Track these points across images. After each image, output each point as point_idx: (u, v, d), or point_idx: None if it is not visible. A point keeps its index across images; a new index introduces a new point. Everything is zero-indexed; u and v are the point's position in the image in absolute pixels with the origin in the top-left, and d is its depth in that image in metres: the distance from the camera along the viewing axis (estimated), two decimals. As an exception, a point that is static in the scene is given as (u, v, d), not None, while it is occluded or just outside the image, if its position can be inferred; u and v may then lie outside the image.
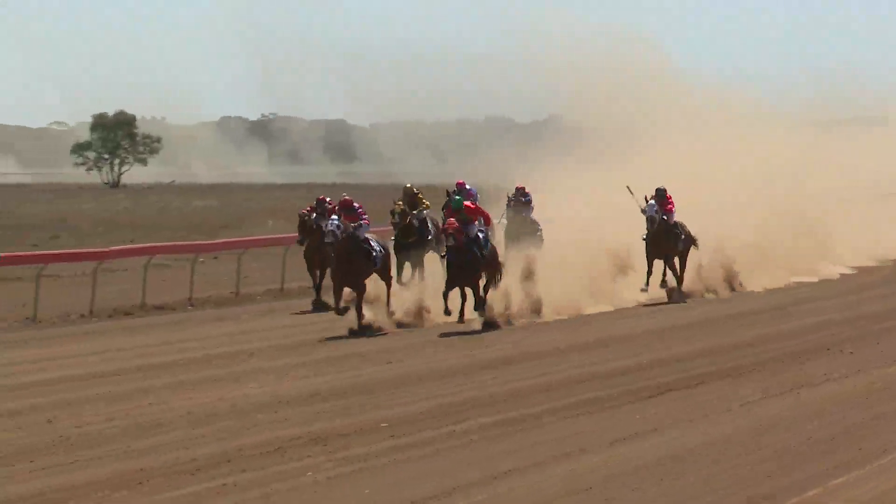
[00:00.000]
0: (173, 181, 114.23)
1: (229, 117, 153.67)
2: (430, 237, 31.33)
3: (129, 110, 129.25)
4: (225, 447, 16.95)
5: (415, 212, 31.48)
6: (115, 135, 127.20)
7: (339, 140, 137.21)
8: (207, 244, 38.73)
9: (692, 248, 32.43)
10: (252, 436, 17.67)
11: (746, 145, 41.45)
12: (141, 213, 73.24)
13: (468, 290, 27.31)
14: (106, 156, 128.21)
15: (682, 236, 31.05)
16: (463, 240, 26.05)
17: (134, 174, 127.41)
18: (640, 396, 21.58)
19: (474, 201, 31.60)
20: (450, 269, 26.33)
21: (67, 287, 31.74)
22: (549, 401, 20.76)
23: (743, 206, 38.28)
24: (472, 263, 26.01)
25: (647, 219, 30.39)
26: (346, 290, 27.26)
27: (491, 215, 31.64)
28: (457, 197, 27.06)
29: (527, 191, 35.21)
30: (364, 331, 26.41)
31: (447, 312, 26.39)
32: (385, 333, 27.34)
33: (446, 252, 26.48)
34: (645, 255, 30.51)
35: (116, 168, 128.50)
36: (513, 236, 34.40)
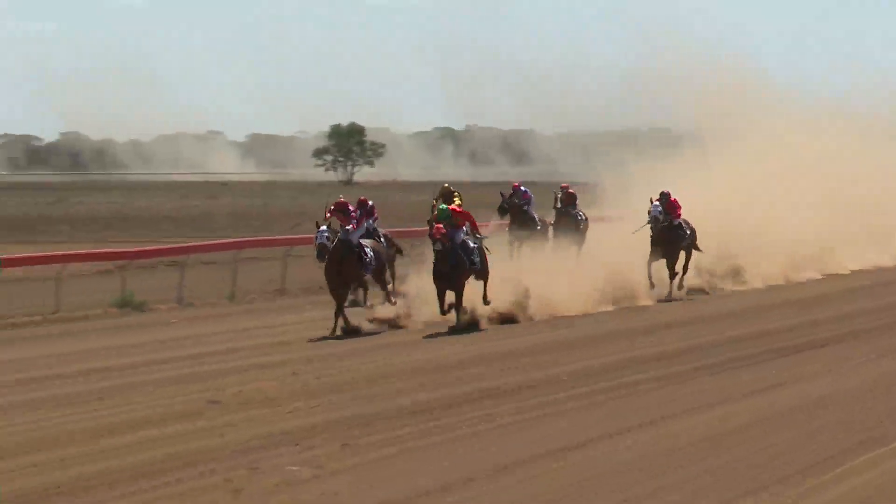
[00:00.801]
0: (395, 179, 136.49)
1: (427, 130, 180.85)
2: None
3: (356, 122, 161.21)
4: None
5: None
6: (348, 141, 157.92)
7: (515, 146, 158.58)
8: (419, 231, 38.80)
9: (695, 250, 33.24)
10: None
11: (828, 153, 46.37)
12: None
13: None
14: (341, 158, 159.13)
15: (687, 233, 32.37)
16: (448, 245, 25.80)
17: (363, 173, 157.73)
18: (770, 356, 25.73)
19: (527, 203, 37.20)
20: (435, 272, 26.16)
21: (308, 265, 33.91)
22: (694, 360, 24.78)
23: (815, 205, 43.05)
24: (456, 268, 26.04)
25: (651, 218, 31.60)
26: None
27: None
28: (442, 206, 26.84)
29: (570, 191, 37.92)
30: (351, 333, 26.78)
31: (443, 312, 26.77)
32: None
33: (434, 256, 26.31)
34: (650, 252, 31.89)
35: (349, 168, 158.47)
36: (560, 232, 37.14)
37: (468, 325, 27.15)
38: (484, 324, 27.31)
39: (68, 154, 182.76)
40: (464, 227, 26.54)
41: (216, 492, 13.54)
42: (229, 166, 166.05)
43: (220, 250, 39.65)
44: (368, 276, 27.26)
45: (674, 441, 16.87)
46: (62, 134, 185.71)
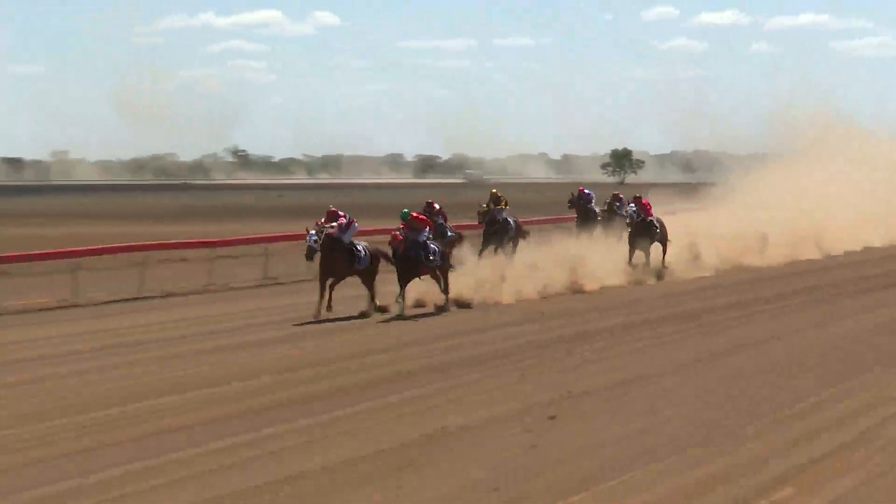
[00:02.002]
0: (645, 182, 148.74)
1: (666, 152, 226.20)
2: (510, 227, 38.71)
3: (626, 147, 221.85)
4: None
5: (498, 207, 38.98)
6: (622, 159, 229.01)
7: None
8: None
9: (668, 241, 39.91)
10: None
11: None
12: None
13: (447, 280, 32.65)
14: (617, 169, 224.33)
15: (658, 230, 38.54)
16: (405, 245, 29.64)
17: (630, 178, 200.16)
18: (844, 294, 35.86)
19: (589, 201, 45.70)
20: (398, 268, 29.57)
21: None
22: (777, 300, 34.97)
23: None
24: (414, 263, 29.67)
25: (628, 217, 38.45)
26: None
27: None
28: (404, 210, 30.58)
29: (621, 196, 45.49)
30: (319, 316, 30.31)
31: (399, 299, 30.67)
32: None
33: (394, 255, 29.58)
34: (628, 242, 39.06)
35: (622, 175, 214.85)
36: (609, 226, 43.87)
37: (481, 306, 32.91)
38: (446, 307, 32.03)
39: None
40: (426, 230, 30.20)
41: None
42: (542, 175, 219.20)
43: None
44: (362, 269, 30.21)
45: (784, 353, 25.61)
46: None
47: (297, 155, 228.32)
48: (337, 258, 28.72)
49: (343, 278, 28.85)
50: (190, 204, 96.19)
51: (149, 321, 29.49)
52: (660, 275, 38.85)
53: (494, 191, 39.92)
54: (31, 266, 37.90)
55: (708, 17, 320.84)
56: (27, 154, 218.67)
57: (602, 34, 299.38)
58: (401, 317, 29.71)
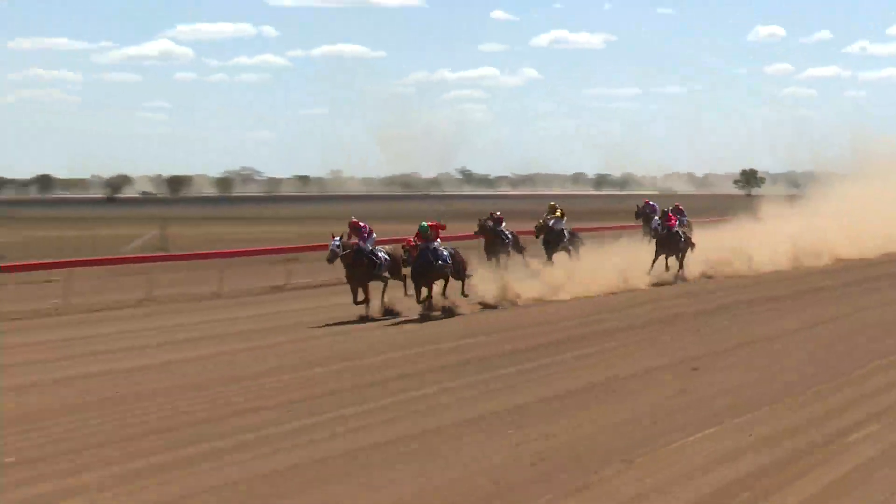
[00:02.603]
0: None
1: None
2: (565, 235, 37.15)
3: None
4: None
5: (555, 216, 37.33)
6: (751, 177, 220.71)
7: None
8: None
9: (690, 249, 38.67)
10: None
11: None
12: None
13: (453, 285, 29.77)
14: (745, 184, 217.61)
15: (682, 240, 37.27)
16: (416, 253, 27.71)
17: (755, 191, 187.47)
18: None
19: (654, 212, 42.74)
20: (412, 272, 27.99)
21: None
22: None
23: None
24: (426, 268, 27.88)
25: (652, 229, 37.58)
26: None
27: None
28: (423, 224, 29.04)
29: (680, 207, 43.76)
30: (387, 314, 28.61)
31: (420, 301, 28.53)
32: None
33: (410, 261, 28.04)
34: (655, 251, 36.91)
35: (750, 189, 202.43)
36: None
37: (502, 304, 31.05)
38: (464, 309, 29.47)
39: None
40: (438, 238, 28.63)
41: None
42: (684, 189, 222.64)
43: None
44: (386, 274, 28.82)
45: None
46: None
47: (507, 173, 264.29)
48: (361, 265, 27.81)
49: (368, 282, 28.08)
50: (426, 209, 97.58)
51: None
52: (679, 277, 38.13)
53: (552, 203, 38.51)
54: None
55: (815, 71, 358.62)
56: (312, 172, 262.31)
57: (735, 83, 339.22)
58: (519, 306, 30.46)
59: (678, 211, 42.30)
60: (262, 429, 14.97)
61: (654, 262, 36.12)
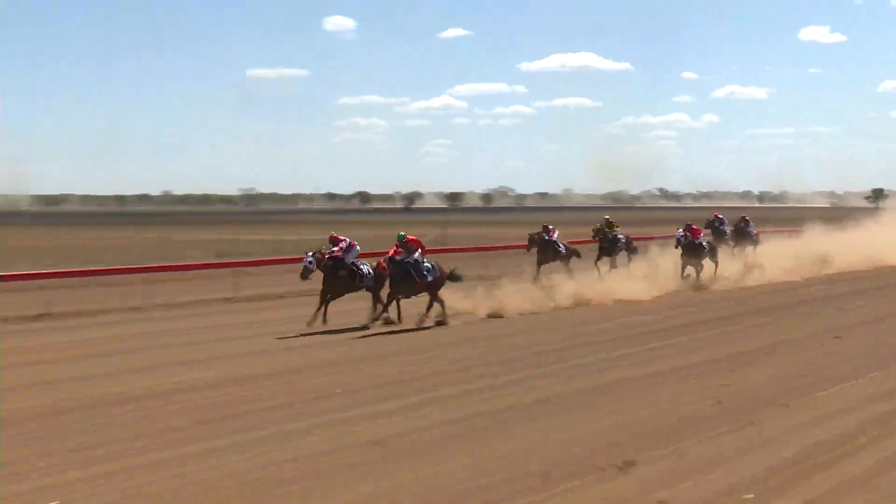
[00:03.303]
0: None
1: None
2: (621, 245, 35.60)
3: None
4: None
5: (608, 229, 35.34)
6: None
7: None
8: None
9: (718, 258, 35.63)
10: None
11: None
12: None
13: (435, 298, 24.47)
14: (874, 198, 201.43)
15: (707, 250, 34.60)
16: (391, 267, 23.50)
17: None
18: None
19: (722, 223, 39.92)
20: (392, 284, 23.68)
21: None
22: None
23: None
24: (405, 281, 23.55)
25: (676, 240, 34.09)
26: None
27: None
28: (401, 233, 24.39)
29: (746, 218, 42.58)
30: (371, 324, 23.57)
31: (379, 313, 23.69)
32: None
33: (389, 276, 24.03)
34: (681, 260, 33.98)
35: (878, 202, 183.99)
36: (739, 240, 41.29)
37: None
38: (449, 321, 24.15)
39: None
40: (418, 250, 24.14)
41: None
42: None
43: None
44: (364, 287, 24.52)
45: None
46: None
47: (692, 190, 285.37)
48: (337, 275, 24.08)
49: (343, 294, 24.38)
50: (633, 217, 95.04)
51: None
52: (699, 284, 33.80)
53: (607, 217, 37.07)
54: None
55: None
56: (550, 190, 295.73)
57: (868, 123, 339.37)
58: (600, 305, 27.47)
59: (744, 221, 42.63)
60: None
61: (683, 269, 33.51)
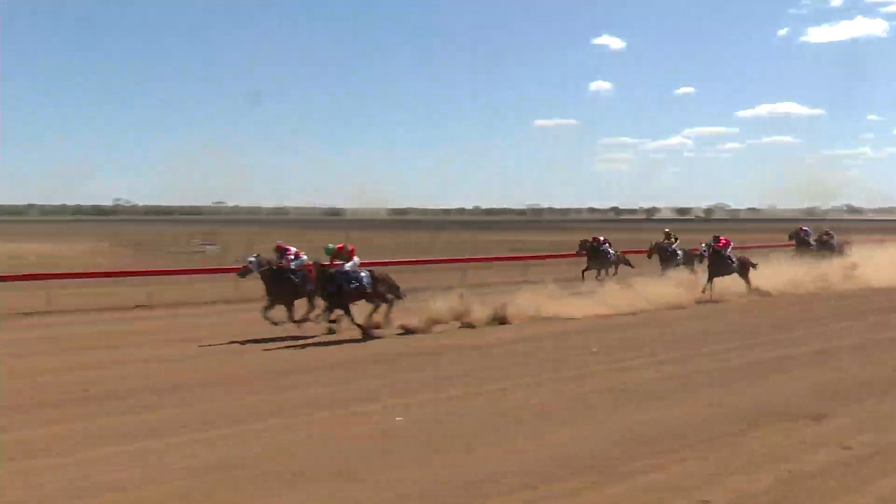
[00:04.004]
0: None
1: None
2: (679, 256, 31.81)
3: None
4: None
5: (667, 242, 31.85)
6: None
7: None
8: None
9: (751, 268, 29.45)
10: None
11: None
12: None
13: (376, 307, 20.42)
14: None
15: (734, 262, 28.80)
16: (321, 276, 19.54)
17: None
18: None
19: (807, 234, 37.12)
20: (323, 295, 19.52)
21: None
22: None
23: None
24: (338, 291, 19.41)
25: (700, 252, 29.51)
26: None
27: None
28: (328, 245, 19.97)
29: (830, 232, 40.05)
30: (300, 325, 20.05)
31: (328, 322, 19.59)
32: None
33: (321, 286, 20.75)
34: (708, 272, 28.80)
35: None
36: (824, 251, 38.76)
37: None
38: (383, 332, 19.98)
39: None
40: (353, 260, 19.90)
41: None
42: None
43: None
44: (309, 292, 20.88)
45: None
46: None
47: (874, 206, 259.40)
48: (279, 283, 20.27)
49: (291, 300, 20.32)
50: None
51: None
52: (751, 291, 29.02)
53: (667, 230, 33.44)
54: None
55: None
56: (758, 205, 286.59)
57: None
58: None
59: (827, 234, 40.22)
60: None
61: (708, 281, 27.76)
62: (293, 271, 21.19)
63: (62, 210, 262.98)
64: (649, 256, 32.60)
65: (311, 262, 21.09)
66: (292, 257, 21.57)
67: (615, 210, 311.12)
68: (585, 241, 33.29)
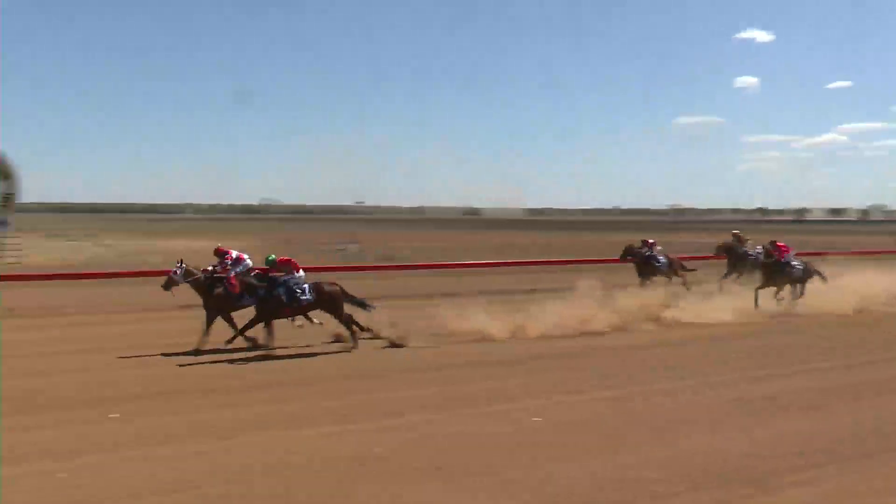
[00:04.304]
0: None
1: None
2: (749, 259, 27.31)
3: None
4: None
5: (738, 244, 27.92)
6: None
7: None
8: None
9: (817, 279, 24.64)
10: None
11: None
12: None
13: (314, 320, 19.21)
14: None
15: (799, 270, 24.00)
16: (238, 287, 17.46)
17: None
18: None
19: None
20: (259, 308, 17.02)
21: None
22: None
23: None
24: (276, 304, 17.14)
25: (753, 259, 26.31)
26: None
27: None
28: (270, 256, 17.64)
29: None
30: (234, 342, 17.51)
31: (249, 339, 17.42)
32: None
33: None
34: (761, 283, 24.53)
35: None
36: None
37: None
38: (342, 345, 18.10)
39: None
40: (296, 272, 17.66)
41: None
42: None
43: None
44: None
45: None
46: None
47: None
48: (218, 294, 17.86)
49: (230, 311, 17.81)
50: None
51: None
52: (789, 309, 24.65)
53: (736, 231, 29.64)
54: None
55: None
56: None
57: None
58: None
59: None
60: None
61: (775, 292, 23.48)
62: (224, 280, 18.53)
63: (213, 209, 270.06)
64: (717, 253, 28.94)
65: (233, 274, 18.13)
66: (230, 263, 18.65)
67: (761, 211, 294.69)
68: (631, 246, 28.11)
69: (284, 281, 17.96)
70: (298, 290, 17.95)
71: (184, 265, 18.61)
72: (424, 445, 9.88)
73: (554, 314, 19.38)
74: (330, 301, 18.32)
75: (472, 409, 11.67)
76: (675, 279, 26.82)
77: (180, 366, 14.83)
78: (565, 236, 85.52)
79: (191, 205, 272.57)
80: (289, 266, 18.27)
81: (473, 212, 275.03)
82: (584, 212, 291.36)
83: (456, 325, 18.45)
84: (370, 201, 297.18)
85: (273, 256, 18.71)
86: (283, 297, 17.77)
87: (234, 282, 18.33)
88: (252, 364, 15.09)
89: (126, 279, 26.39)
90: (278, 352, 16.21)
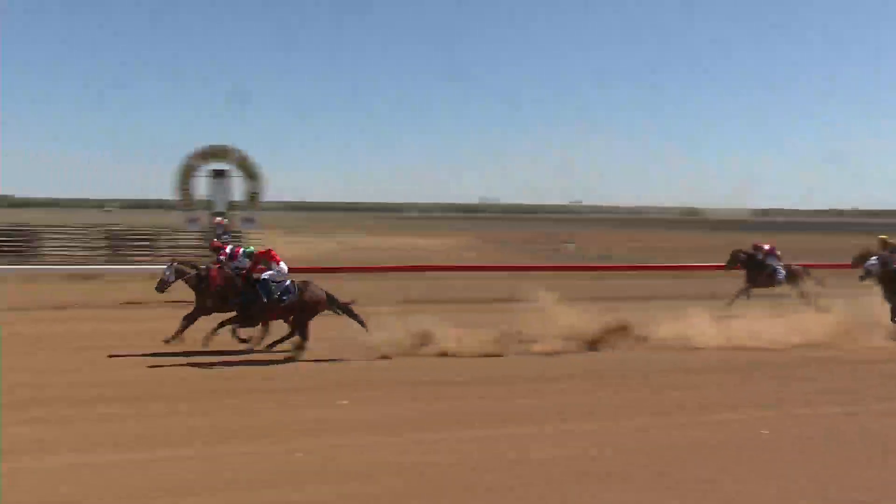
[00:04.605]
0: None
1: None
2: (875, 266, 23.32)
3: None
4: None
5: (886, 252, 22.56)
6: None
7: None
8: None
9: None
10: None
11: None
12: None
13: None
14: None
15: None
16: (222, 282, 16.39)
17: None
18: None
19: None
20: (239, 308, 15.75)
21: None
22: None
23: None
24: (253, 303, 15.80)
25: (864, 270, 19.86)
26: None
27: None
28: (248, 247, 16.68)
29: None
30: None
31: (240, 339, 16.31)
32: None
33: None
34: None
35: None
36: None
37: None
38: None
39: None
40: (280, 268, 16.21)
41: None
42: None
43: None
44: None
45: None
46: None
47: None
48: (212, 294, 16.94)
49: (223, 310, 16.60)
50: None
51: None
52: None
53: (883, 237, 23.40)
54: None
55: None
56: None
57: None
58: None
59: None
60: None
61: (893, 310, 19.78)
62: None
63: (434, 207, 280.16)
64: (853, 267, 24.68)
65: (216, 267, 17.10)
66: (223, 260, 17.47)
67: None
68: (739, 251, 25.23)
69: (265, 280, 16.51)
70: (278, 289, 16.17)
71: (175, 264, 17.37)
72: (644, 452, 9.73)
73: (774, 322, 18.18)
74: (309, 308, 16.39)
75: (688, 417, 11.28)
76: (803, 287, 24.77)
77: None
78: (794, 240, 77.01)
79: (414, 204, 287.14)
80: (267, 258, 16.92)
81: (693, 212, 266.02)
82: (818, 212, 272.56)
83: (667, 328, 17.52)
84: (588, 201, 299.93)
85: (251, 248, 17.69)
86: (264, 298, 16.37)
87: (214, 274, 17.11)
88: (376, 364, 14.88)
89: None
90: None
